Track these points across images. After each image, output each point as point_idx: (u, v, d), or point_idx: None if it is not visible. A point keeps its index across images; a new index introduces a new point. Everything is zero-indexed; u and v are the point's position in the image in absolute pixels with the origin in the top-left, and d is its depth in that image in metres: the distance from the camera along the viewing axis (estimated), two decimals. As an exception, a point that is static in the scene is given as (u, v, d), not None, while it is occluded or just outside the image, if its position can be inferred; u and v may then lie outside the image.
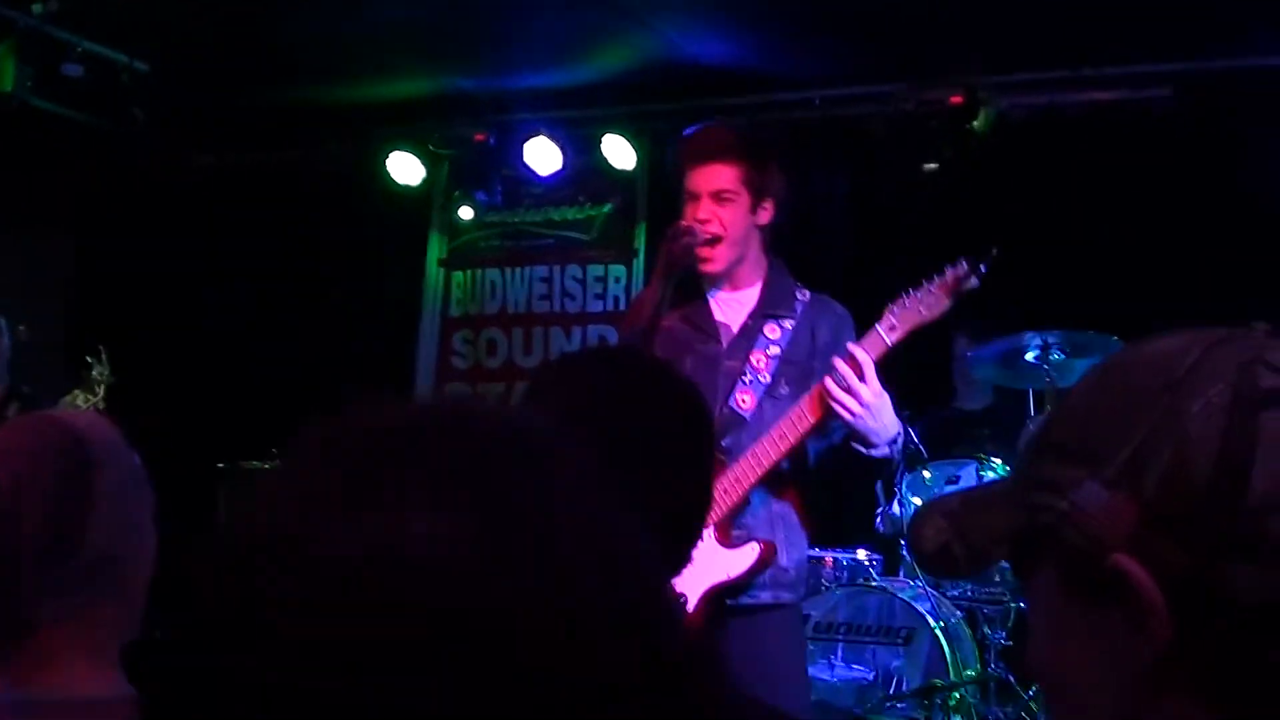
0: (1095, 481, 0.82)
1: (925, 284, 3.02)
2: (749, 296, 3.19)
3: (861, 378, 2.87)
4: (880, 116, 5.64)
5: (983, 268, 2.98)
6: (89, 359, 4.33)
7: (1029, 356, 4.43)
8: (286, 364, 6.52)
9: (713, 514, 2.83)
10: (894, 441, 2.97)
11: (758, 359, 3.10)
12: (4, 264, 6.58)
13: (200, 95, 6.02)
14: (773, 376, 3.10)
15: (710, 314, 3.18)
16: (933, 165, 5.48)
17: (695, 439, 1.62)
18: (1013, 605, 4.56)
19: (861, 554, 4.65)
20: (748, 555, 2.97)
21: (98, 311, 6.55)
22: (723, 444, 2.98)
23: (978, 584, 4.62)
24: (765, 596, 3.03)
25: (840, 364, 2.90)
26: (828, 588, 4.54)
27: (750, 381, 3.09)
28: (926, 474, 4.63)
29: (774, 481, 3.04)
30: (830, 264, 5.54)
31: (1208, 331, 0.86)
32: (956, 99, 5.33)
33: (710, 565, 2.92)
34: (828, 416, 2.94)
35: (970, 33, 5.09)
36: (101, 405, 4.27)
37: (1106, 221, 5.28)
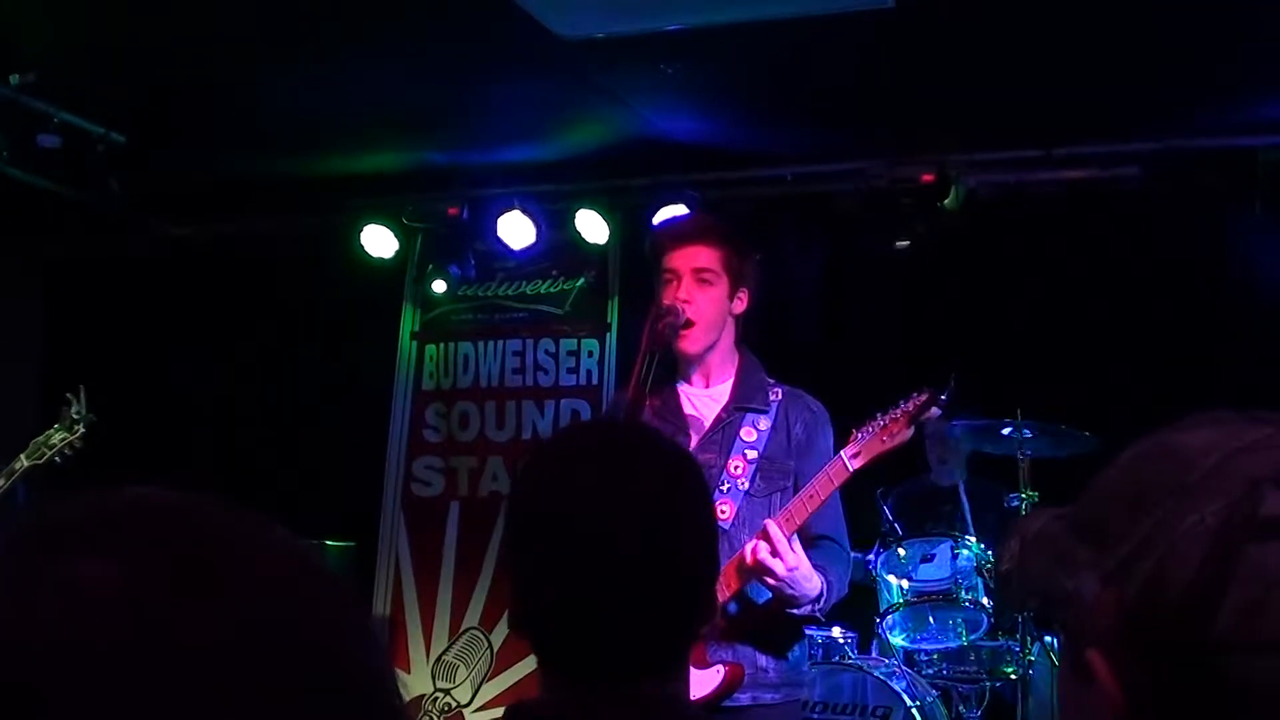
0: (1095, 572, 0.82)
1: (889, 411, 3.04)
2: (721, 393, 3.20)
3: (775, 554, 2.90)
4: (852, 193, 5.69)
5: (944, 396, 3.01)
6: (68, 395, 4.22)
7: (1004, 431, 4.46)
8: (258, 435, 6.47)
9: None
10: (817, 600, 3.01)
11: (736, 465, 3.11)
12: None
13: (175, 166, 6.02)
14: (750, 481, 3.11)
15: (679, 407, 3.19)
16: (904, 242, 5.53)
17: (705, 506, 1.66)
18: (988, 684, 4.52)
19: (837, 631, 4.60)
20: (712, 678, 2.98)
21: (70, 382, 6.48)
22: None
23: (952, 663, 4.58)
24: (744, 699, 3.03)
25: (759, 544, 2.92)
26: (802, 666, 4.48)
27: (729, 490, 3.09)
28: (901, 551, 4.61)
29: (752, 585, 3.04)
30: (802, 340, 5.57)
31: (1245, 428, 0.82)
32: (928, 177, 5.38)
33: None
34: (748, 580, 2.98)
35: (942, 112, 5.16)
36: (79, 444, 4.18)
37: (1075, 298, 5.33)
